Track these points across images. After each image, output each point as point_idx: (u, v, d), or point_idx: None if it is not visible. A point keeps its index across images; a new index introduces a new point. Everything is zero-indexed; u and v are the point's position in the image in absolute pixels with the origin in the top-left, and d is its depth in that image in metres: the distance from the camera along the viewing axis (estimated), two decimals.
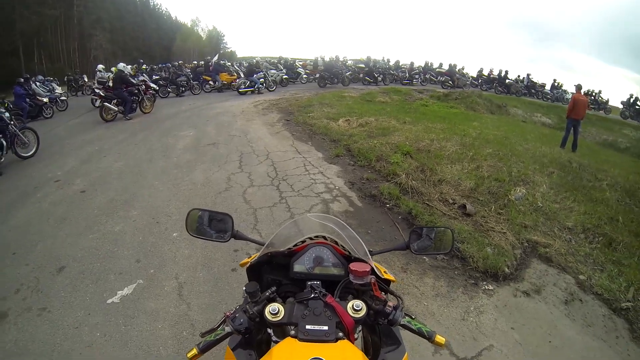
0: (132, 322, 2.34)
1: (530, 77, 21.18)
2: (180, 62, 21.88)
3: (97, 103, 9.94)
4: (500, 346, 2.23)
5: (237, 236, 1.16)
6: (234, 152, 5.89)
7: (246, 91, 13.31)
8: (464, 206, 3.86)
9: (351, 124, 7.46)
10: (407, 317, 0.82)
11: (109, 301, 2.54)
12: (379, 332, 0.89)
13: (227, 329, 0.79)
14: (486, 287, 2.79)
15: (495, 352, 2.19)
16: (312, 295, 0.81)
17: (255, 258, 0.98)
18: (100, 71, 13.94)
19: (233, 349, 0.83)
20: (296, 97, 11.65)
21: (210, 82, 14.90)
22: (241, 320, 0.79)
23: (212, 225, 1.17)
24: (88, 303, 2.54)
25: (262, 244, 1.08)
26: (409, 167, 4.80)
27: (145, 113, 10.01)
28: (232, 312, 0.82)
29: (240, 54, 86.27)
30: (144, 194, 4.39)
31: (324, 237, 1.01)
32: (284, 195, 4.17)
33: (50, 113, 10.59)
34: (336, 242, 0.99)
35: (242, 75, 14.60)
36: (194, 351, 0.78)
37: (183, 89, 14.28)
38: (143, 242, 3.29)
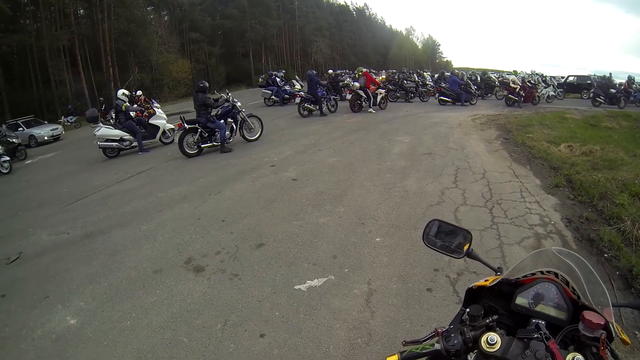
0: (312, 313, 2.35)
1: None
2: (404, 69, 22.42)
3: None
4: None
5: (471, 255, 1.10)
6: (449, 165, 5.71)
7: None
8: None
9: (574, 151, 6.41)
10: None
11: (297, 287, 2.61)
12: None
13: (437, 345, 0.76)
14: None
15: None
16: (536, 336, 0.72)
17: (491, 282, 0.91)
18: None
19: None
20: (515, 115, 10.87)
21: None
22: (455, 341, 0.75)
23: (448, 238, 1.14)
24: (277, 283, 2.69)
25: (494, 269, 1.07)
26: (637, 212, 3.63)
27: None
28: (444, 329, 0.80)
29: (456, 64, 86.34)
30: (355, 192, 4.49)
31: (556, 275, 0.89)
32: (496, 220, 3.73)
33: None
34: (567, 283, 0.86)
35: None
36: (396, 357, 0.77)
37: (412, 95, 14.75)
38: (344, 239, 3.30)
